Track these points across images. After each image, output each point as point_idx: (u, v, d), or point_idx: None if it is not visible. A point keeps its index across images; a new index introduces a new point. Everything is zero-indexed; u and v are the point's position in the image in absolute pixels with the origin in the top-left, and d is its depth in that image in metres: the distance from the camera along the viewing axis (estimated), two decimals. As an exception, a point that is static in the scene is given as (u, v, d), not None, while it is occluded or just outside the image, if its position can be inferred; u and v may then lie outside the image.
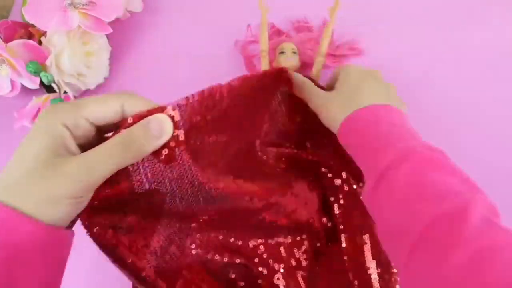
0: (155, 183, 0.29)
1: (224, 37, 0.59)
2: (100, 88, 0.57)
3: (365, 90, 0.37)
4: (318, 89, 0.39)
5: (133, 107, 0.27)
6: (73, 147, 0.26)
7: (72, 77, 0.53)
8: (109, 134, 0.27)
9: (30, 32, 0.54)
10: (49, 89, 0.53)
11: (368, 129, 0.34)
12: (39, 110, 0.50)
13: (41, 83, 0.51)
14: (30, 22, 0.50)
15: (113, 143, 0.26)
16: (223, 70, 0.56)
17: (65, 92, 0.52)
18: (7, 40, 0.51)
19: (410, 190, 0.28)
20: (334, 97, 0.38)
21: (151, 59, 0.59)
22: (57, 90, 0.52)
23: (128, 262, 0.32)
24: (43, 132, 0.25)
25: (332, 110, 0.37)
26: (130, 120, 0.26)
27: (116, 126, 0.27)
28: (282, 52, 0.51)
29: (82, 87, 0.55)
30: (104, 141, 0.26)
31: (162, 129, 0.27)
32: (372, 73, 0.39)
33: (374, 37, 0.55)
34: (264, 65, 0.50)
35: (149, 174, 0.28)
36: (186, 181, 0.31)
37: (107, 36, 0.56)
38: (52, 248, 0.26)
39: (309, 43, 0.53)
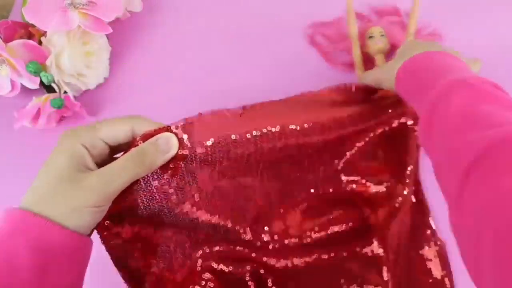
0: (163, 193, 0.32)
1: (224, 36, 0.59)
2: (100, 88, 0.57)
3: (419, 46, 0.38)
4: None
5: (142, 128, 0.31)
6: (91, 164, 0.29)
7: (72, 77, 0.53)
8: (120, 155, 0.31)
9: (30, 32, 0.54)
10: (49, 89, 0.53)
11: (420, 69, 0.34)
12: (39, 110, 0.50)
13: (41, 83, 0.51)
14: (30, 22, 0.50)
15: (127, 158, 0.30)
16: (223, 70, 0.56)
17: (65, 92, 0.52)
18: (7, 40, 0.51)
19: (461, 120, 0.28)
20: (391, 62, 0.39)
21: (151, 59, 0.59)
22: (57, 90, 0.52)
23: (133, 267, 0.34)
24: (65, 151, 0.29)
25: (391, 71, 0.38)
26: (138, 139, 0.30)
27: (127, 146, 0.31)
28: (371, 37, 0.52)
29: (82, 87, 0.55)
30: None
31: (169, 145, 0.31)
32: (429, 41, 0.41)
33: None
34: (355, 52, 0.52)
35: (158, 185, 0.32)
36: (189, 194, 0.34)
37: (107, 36, 0.56)
38: (78, 253, 0.29)
39: (396, 25, 0.55)
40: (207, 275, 0.38)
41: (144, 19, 0.61)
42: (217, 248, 0.38)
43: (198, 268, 0.38)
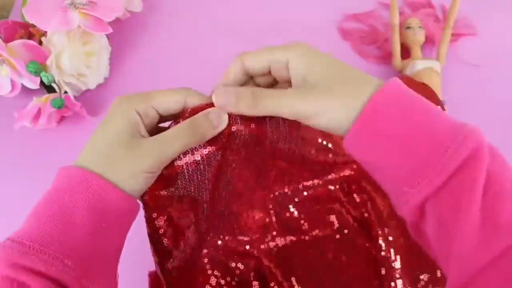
0: (208, 164, 0.34)
1: (224, 36, 0.59)
2: (100, 88, 0.57)
3: (341, 76, 0.28)
4: (281, 90, 0.30)
5: (194, 100, 0.31)
6: (143, 131, 0.30)
7: (73, 77, 0.53)
8: (165, 124, 0.32)
9: (30, 32, 0.54)
10: (49, 89, 0.53)
11: (390, 130, 0.26)
12: (39, 110, 0.50)
13: (42, 83, 0.51)
14: (30, 22, 0.50)
15: (182, 127, 0.30)
16: (223, 70, 0.56)
17: (66, 92, 0.52)
18: (7, 40, 0.51)
19: (490, 202, 0.23)
20: (311, 95, 0.28)
21: (151, 59, 0.59)
22: (58, 90, 0.52)
23: (164, 244, 0.34)
24: (120, 116, 0.29)
25: (324, 112, 0.28)
26: (189, 112, 0.31)
27: (176, 117, 0.32)
28: (408, 27, 0.54)
29: (82, 87, 0.55)
30: (160, 131, 0.31)
31: (220, 119, 0.31)
32: (321, 52, 0.30)
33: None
34: (395, 40, 0.54)
35: (205, 157, 0.33)
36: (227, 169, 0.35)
37: (107, 36, 0.56)
38: (129, 216, 0.30)
39: (430, 18, 0.57)
40: (213, 271, 0.38)
41: (144, 19, 0.62)
42: (227, 237, 0.38)
43: (205, 260, 0.38)
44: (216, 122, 0.31)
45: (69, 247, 0.26)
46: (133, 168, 0.28)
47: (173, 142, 0.30)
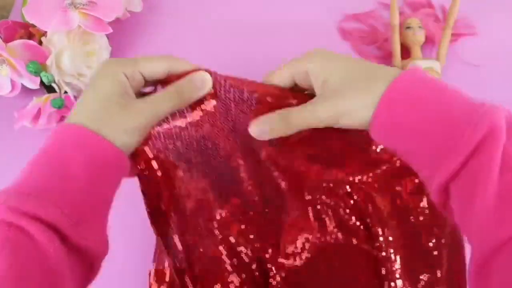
0: (193, 126, 0.34)
1: (224, 36, 0.59)
2: (100, 88, 0.57)
3: (355, 76, 0.30)
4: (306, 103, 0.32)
5: (179, 67, 0.33)
6: (131, 93, 0.32)
7: (73, 77, 0.53)
8: (147, 89, 0.34)
9: (30, 32, 0.54)
10: (49, 89, 0.53)
11: (415, 117, 0.27)
12: (39, 110, 0.50)
13: (42, 83, 0.51)
14: (30, 22, 0.50)
15: (171, 90, 0.32)
16: (223, 71, 0.56)
17: (66, 92, 0.52)
18: (7, 40, 0.51)
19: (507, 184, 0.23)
20: (330, 101, 0.30)
21: (151, 59, 0.59)
22: (58, 90, 0.52)
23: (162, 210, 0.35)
24: (110, 77, 0.30)
25: (346, 114, 0.30)
26: (174, 76, 0.33)
27: (161, 82, 0.33)
28: (408, 27, 0.54)
29: (82, 87, 0.55)
30: (142, 96, 0.32)
31: (203, 83, 0.33)
32: (337, 54, 0.32)
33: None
34: (395, 40, 0.54)
35: (189, 120, 0.34)
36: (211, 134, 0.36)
37: (107, 36, 0.56)
38: (121, 171, 0.31)
39: (430, 18, 0.58)
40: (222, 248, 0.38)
41: (144, 19, 0.62)
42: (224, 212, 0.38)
43: (216, 232, 0.38)
44: (200, 84, 0.33)
45: (65, 196, 0.27)
46: (125, 125, 0.30)
47: (162, 103, 0.31)
